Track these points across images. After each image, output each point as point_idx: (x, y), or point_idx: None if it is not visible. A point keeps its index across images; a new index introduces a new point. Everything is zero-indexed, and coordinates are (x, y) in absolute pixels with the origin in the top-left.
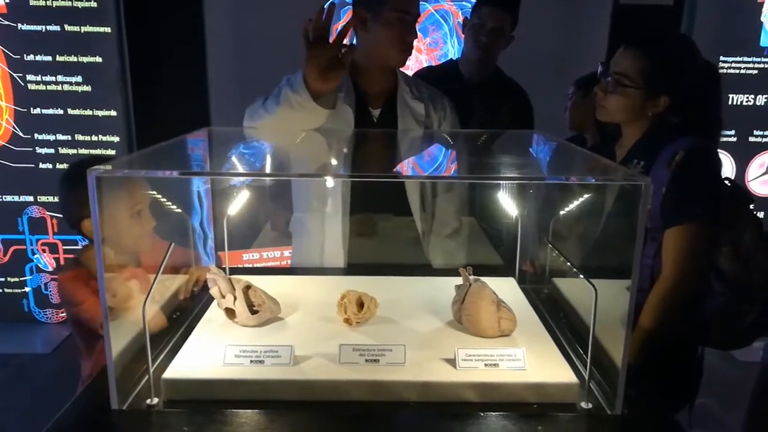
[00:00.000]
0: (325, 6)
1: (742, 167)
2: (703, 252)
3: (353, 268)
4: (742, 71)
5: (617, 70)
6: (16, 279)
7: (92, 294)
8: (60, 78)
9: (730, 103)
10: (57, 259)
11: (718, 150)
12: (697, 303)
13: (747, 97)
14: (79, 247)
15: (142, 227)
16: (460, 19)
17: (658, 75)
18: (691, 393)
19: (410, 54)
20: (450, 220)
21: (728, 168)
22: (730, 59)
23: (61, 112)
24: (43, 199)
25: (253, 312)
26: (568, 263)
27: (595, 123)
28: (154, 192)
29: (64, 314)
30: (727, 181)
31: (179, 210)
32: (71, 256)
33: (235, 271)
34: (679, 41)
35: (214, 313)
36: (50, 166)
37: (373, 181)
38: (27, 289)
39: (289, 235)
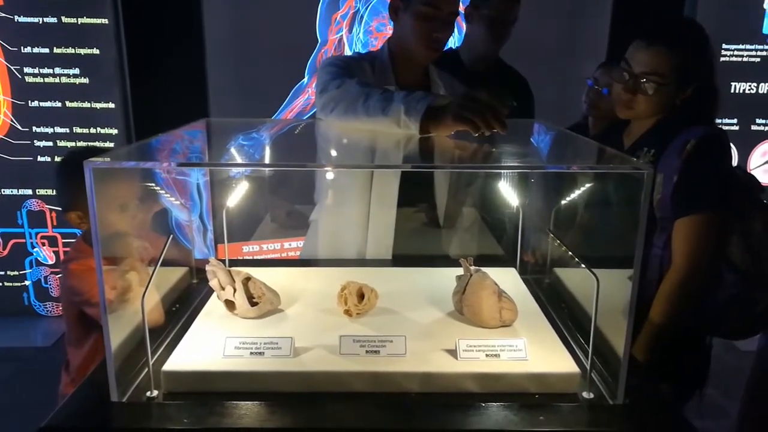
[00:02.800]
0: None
1: (744, 156)
2: (714, 242)
3: (371, 261)
4: (745, 59)
5: (646, 70)
6: (16, 272)
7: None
8: (57, 70)
9: (732, 91)
10: (56, 253)
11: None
12: (708, 293)
13: (749, 86)
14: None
15: (127, 221)
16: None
17: (691, 66)
18: (700, 383)
19: (438, 52)
20: (465, 213)
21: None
22: (733, 47)
23: (59, 104)
24: (42, 192)
25: (253, 304)
26: (570, 253)
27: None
28: (147, 184)
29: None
30: (738, 170)
31: (177, 201)
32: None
33: (234, 263)
34: (694, 26)
35: (213, 305)
36: (48, 159)
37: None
38: (27, 283)
39: (294, 226)
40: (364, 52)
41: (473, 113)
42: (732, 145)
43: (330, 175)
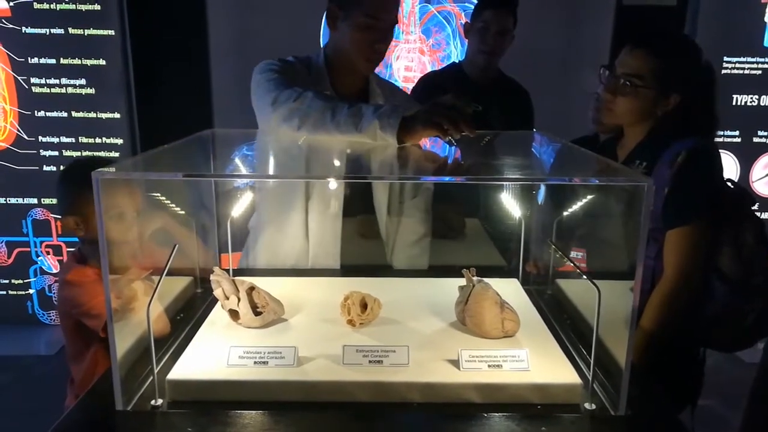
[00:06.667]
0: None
1: (746, 168)
2: (705, 253)
3: (330, 270)
4: (746, 72)
5: (627, 71)
6: (21, 281)
7: (100, 293)
8: (64, 81)
9: (734, 103)
10: (61, 261)
11: (721, 150)
12: (698, 304)
13: (751, 98)
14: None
15: (127, 231)
16: (463, 20)
17: (670, 74)
18: (693, 395)
19: (378, 62)
20: (415, 225)
21: (732, 169)
22: (734, 60)
23: (65, 114)
24: (47, 201)
25: (257, 313)
26: (572, 264)
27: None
28: (152, 194)
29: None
30: (729, 183)
31: (183, 212)
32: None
33: (238, 272)
34: (684, 39)
35: (217, 314)
36: (54, 168)
37: (357, 184)
38: (31, 291)
39: None
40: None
41: (441, 118)
42: (733, 156)
43: (266, 184)
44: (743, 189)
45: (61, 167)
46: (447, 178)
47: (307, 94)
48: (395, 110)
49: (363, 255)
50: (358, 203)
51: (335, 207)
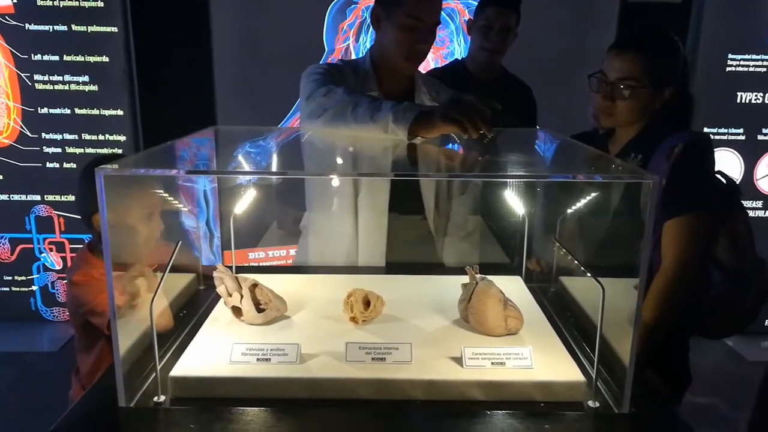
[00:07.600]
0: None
1: (750, 166)
2: (703, 241)
3: (365, 268)
4: (751, 69)
5: (621, 75)
6: (24, 278)
7: (105, 291)
8: (67, 77)
9: (738, 101)
10: (64, 258)
11: (725, 148)
12: (697, 293)
13: (756, 95)
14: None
15: (151, 229)
16: (467, 17)
17: (663, 69)
18: (684, 383)
19: (420, 62)
20: (464, 221)
21: (736, 166)
22: (739, 57)
23: (68, 111)
24: (50, 198)
25: (260, 310)
26: (575, 261)
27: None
28: (166, 194)
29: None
30: (719, 175)
31: (185, 208)
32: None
33: (241, 269)
34: (664, 32)
35: (220, 311)
36: (57, 165)
37: (405, 182)
38: (34, 288)
39: (297, 233)
40: (346, 60)
41: (460, 114)
42: (737, 154)
43: (317, 183)
44: (733, 180)
45: (72, 166)
46: (464, 177)
47: (337, 90)
48: (413, 107)
49: (411, 253)
50: (405, 201)
51: (382, 205)
